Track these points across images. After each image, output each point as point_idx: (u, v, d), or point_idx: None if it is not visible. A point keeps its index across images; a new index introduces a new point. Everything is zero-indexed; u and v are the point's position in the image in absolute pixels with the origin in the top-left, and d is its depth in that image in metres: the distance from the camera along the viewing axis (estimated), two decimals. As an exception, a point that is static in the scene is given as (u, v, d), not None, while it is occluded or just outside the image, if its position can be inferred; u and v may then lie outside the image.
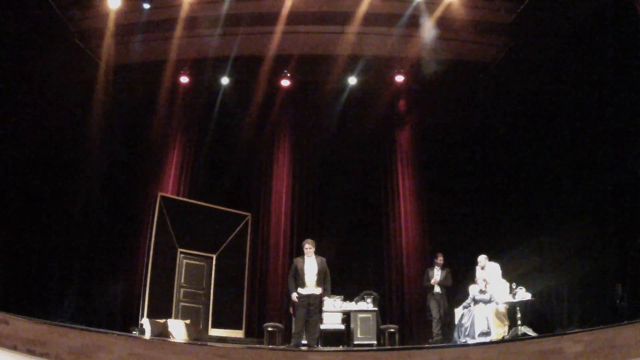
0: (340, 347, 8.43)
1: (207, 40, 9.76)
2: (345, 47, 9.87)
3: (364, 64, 10.35)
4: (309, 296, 7.08)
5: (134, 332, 8.13)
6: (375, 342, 8.64)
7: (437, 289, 8.68)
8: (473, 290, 8.10)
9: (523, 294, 7.31)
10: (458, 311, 8.18)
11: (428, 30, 9.21)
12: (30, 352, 5.29)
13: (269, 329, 8.79)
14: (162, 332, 8.06)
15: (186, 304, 9.67)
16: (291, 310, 7.70)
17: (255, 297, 10.49)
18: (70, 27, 9.02)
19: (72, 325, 6.09)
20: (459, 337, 7.73)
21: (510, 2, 8.77)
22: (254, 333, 9.95)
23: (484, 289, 7.84)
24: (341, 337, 8.86)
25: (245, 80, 10.75)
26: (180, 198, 10.42)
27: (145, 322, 8.23)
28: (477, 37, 9.58)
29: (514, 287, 7.47)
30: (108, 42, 9.37)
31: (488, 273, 8.05)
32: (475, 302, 7.83)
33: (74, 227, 9.12)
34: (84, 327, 6.01)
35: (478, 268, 8.22)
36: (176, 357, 5.51)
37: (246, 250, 10.54)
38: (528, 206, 8.96)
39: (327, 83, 10.72)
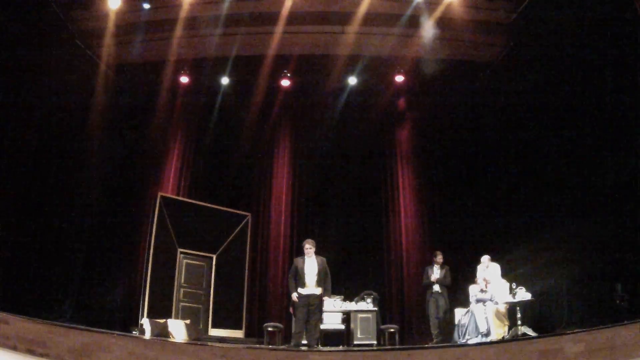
0: (340, 347, 8.42)
1: (207, 40, 9.75)
2: (345, 47, 9.86)
3: (364, 64, 10.34)
4: (309, 296, 7.08)
5: (134, 332, 8.13)
6: (375, 342, 8.65)
7: (435, 288, 8.56)
8: (473, 290, 8.10)
9: (523, 294, 7.31)
10: (458, 311, 8.18)
11: (428, 30, 9.21)
12: (30, 352, 5.29)
13: (269, 329, 8.79)
14: (162, 332, 8.06)
15: (186, 304, 9.67)
16: (291, 310, 7.70)
17: (255, 297, 10.49)
18: (70, 27, 9.01)
19: (72, 325, 6.09)
20: (459, 337, 7.73)
21: (510, 2, 8.77)
22: (254, 333, 9.95)
23: (484, 289, 7.84)
24: (341, 337, 8.86)
25: (245, 80, 10.74)
26: (180, 198, 10.42)
27: (145, 322, 8.23)
28: (477, 37, 9.57)
29: (514, 287, 7.47)
30: (108, 42, 9.37)
31: (488, 273, 8.05)
32: (476, 302, 7.83)
33: (74, 227, 9.12)
34: (84, 327, 6.00)
35: (481, 268, 8.20)
36: (176, 357, 5.51)
37: (246, 250, 10.54)
38: (528, 206, 8.96)
39: (327, 83, 10.72)
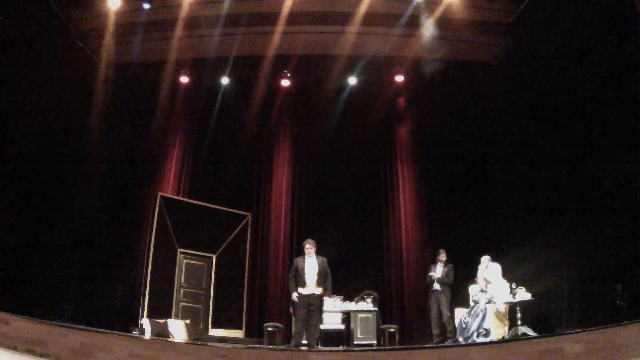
0: (340, 347, 8.42)
1: (207, 40, 9.76)
2: (345, 47, 9.87)
3: (364, 64, 10.35)
4: (309, 296, 7.08)
5: (134, 332, 8.13)
6: (375, 342, 8.64)
7: (436, 286, 8.44)
8: (473, 290, 8.09)
9: (523, 294, 7.30)
10: (459, 311, 8.18)
11: (428, 30, 9.20)
12: (30, 352, 5.29)
13: (269, 329, 8.79)
14: (162, 332, 8.06)
15: (186, 304, 9.67)
16: (291, 310, 7.70)
17: (255, 297, 10.50)
18: (70, 27, 9.02)
19: (72, 325, 6.10)
20: (459, 337, 7.73)
21: (510, 2, 8.77)
22: (254, 333, 9.95)
23: (484, 289, 7.84)
24: (341, 337, 8.87)
25: (245, 80, 10.75)
26: (180, 198, 10.42)
27: (145, 322, 8.23)
28: (477, 37, 9.58)
29: (514, 287, 7.47)
30: (108, 42, 9.37)
31: (488, 273, 8.04)
32: (476, 302, 7.82)
33: (74, 227, 9.12)
34: (84, 327, 6.00)
35: (480, 268, 8.19)
36: (176, 357, 5.52)
37: (246, 250, 10.54)
38: (528, 206, 8.96)
39: (327, 83, 10.72)
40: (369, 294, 9.27)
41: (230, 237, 10.41)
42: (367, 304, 9.04)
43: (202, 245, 10.07)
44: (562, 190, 8.20)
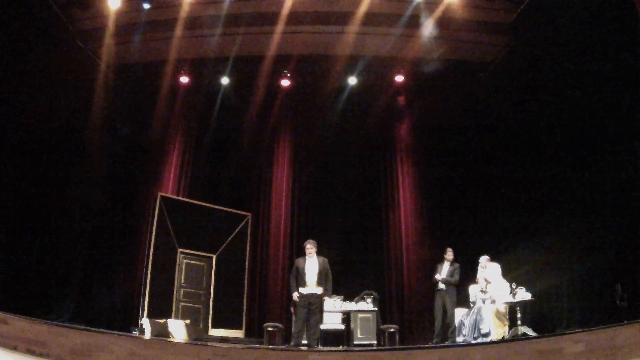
0: (340, 347, 8.42)
1: (207, 40, 9.75)
2: (345, 47, 9.87)
3: (364, 64, 10.34)
4: (309, 296, 7.10)
5: (134, 332, 8.13)
6: (375, 342, 8.64)
7: (441, 286, 8.41)
8: (473, 290, 8.09)
9: (523, 294, 7.31)
10: (459, 311, 8.17)
11: (428, 30, 9.20)
12: (30, 352, 5.29)
13: (269, 329, 8.79)
14: (162, 332, 8.06)
15: (186, 304, 9.67)
16: (292, 309, 7.71)
17: (255, 297, 10.50)
18: (70, 27, 9.01)
19: (72, 325, 6.10)
20: (459, 337, 7.73)
21: (510, 2, 8.76)
22: (254, 333, 9.95)
23: (484, 289, 7.84)
24: (341, 337, 8.86)
25: (245, 80, 10.74)
26: (180, 198, 10.42)
27: (145, 322, 8.23)
28: (477, 37, 9.57)
29: (514, 287, 7.47)
30: (108, 42, 9.36)
31: (489, 273, 8.04)
32: (475, 302, 7.82)
33: (74, 226, 9.12)
34: (84, 327, 6.00)
35: (480, 268, 8.19)
36: (176, 357, 5.52)
37: (246, 250, 10.54)
38: (528, 206, 8.96)
39: (327, 83, 10.72)
40: (369, 294, 9.27)
41: (230, 237, 10.41)
42: (367, 304, 9.04)
43: (202, 245, 10.07)
44: (562, 190, 8.21)
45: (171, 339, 7.82)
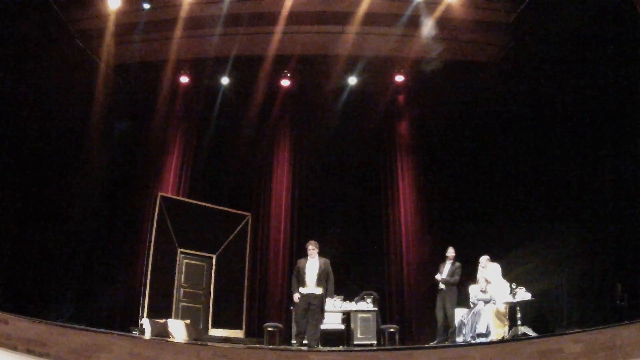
0: (340, 347, 8.42)
1: (207, 40, 9.76)
2: (345, 47, 9.86)
3: (364, 64, 10.34)
4: (308, 296, 7.12)
5: (134, 332, 8.13)
6: (375, 342, 8.64)
7: (441, 286, 8.33)
8: (473, 290, 8.08)
9: (523, 294, 7.30)
10: (459, 311, 8.17)
11: (428, 30, 9.20)
12: (30, 352, 5.30)
13: (269, 329, 8.79)
14: (162, 332, 8.05)
15: (186, 304, 9.67)
16: (292, 308, 7.73)
17: (255, 297, 10.49)
18: (70, 27, 9.01)
19: (72, 325, 6.10)
20: (459, 337, 7.72)
21: (510, 2, 8.76)
22: (254, 333, 9.95)
23: (484, 289, 7.83)
24: (341, 337, 8.86)
25: (245, 80, 10.74)
26: (180, 198, 10.42)
27: (145, 322, 8.22)
28: (477, 37, 9.57)
29: (514, 287, 7.46)
30: (108, 42, 9.37)
31: (489, 273, 8.04)
32: (475, 303, 7.82)
33: (74, 227, 9.12)
34: (84, 327, 6.01)
35: (480, 268, 8.18)
36: (176, 357, 5.52)
37: (246, 250, 10.54)
38: (528, 206, 8.95)
39: (327, 83, 10.71)
40: (369, 294, 9.27)
41: (230, 237, 10.41)
42: (367, 304, 9.04)
43: (202, 245, 10.07)
44: (562, 190, 8.20)
45: (171, 339, 7.81)
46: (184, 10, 9.04)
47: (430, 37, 9.34)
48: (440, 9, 8.92)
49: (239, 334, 9.97)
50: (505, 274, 7.96)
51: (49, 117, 8.60)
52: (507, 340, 6.73)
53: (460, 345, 6.68)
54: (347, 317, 8.94)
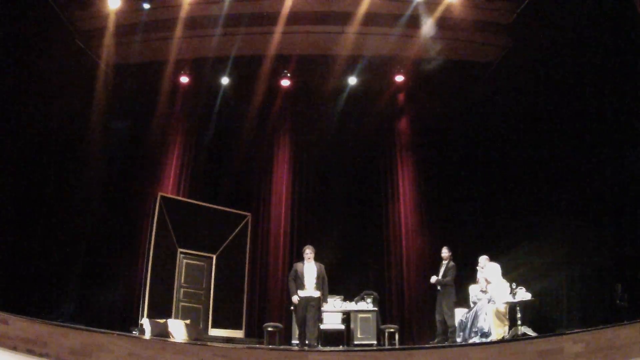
0: (340, 347, 8.42)
1: (207, 40, 9.76)
2: (345, 47, 9.87)
3: (364, 64, 10.34)
4: (308, 298, 7.26)
5: (134, 332, 8.13)
6: (375, 342, 8.65)
7: (438, 287, 8.31)
8: (473, 290, 8.08)
9: (523, 294, 7.30)
10: (459, 311, 8.17)
11: (428, 30, 9.20)
12: (30, 352, 5.29)
13: (269, 329, 8.79)
14: (162, 332, 8.06)
15: (186, 304, 9.67)
16: (293, 310, 7.76)
17: (255, 297, 10.49)
18: (70, 27, 9.01)
19: (72, 325, 6.10)
20: (459, 337, 7.72)
21: (510, 2, 8.77)
22: (254, 333, 9.95)
23: (484, 289, 7.83)
24: (341, 337, 8.87)
25: (245, 80, 10.74)
26: (180, 198, 10.41)
27: (145, 322, 8.23)
28: (477, 37, 9.58)
29: (514, 287, 7.46)
30: (108, 42, 9.37)
31: (489, 273, 8.03)
32: (475, 303, 7.82)
33: (74, 227, 9.11)
34: (84, 327, 6.00)
35: (480, 268, 8.18)
36: (176, 357, 5.52)
37: (246, 250, 10.54)
38: (528, 206, 8.95)
39: (327, 83, 10.72)
40: (369, 294, 9.27)
41: (230, 237, 10.41)
42: (367, 304, 9.04)
43: (202, 245, 10.07)
44: (562, 190, 8.20)
45: (171, 339, 7.81)
46: (184, 10, 9.05)
47: (430, 37, 9.34)
48: (440, 9, 8.94)
49: (239, 334, 9.96)
50: (505, 274, 7.96)
51: (48, 116, 8.59)
52: (507, 340, 6.73)
53: (460, 345, 6.69)
54: (347, 317, 8.95)
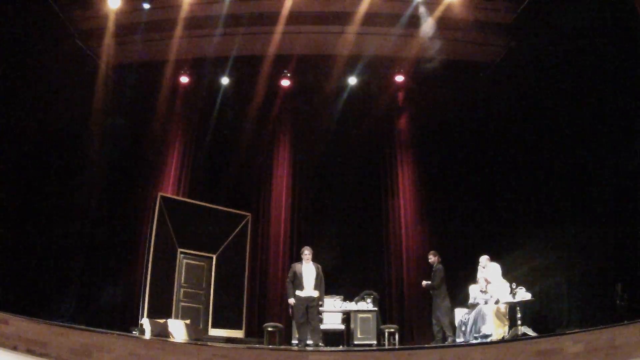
0: (340, 347, 8.43)
1: (207, 40, 9.76)
2: (345, 47, 9.87)
3: (364, 64, 10.34)
4: (307, 298, 7.32)
5: (134, 332, 8.13)
6: (375, 342, 8.65)
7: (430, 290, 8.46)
8: (474, 290, 8.08)
9: (523, 294, 7.30)
10: (459, 311, 8.17)
11: (428, 30, 9.20)
12: (30, 352, 5.30)
13: (269, 329, 8.80)
14: (162, 332, 8.06)
15: (186, 304, 9.68)
16: (291, 312, 7.78)
17: (255, 297, 10.50)
18: (70, 27, 9.01)
19: (72, 325, 6.10)
20: (459, 337, 7.72)
21: (510, 2, 8.77)
22: (254, 333, 9.95)
23: (484, 289, 7.83)
24: (341, 337, 8.87)
25: (245, 80, 10.75)
26: (180, 198, 10.42)
27: (145, 322, 8.23)
28: (477, 37, 9.58)
29: (514, 287, 7.47)
30: (108, 42, 9.37)
31: (489, 273, 8.03)
32: (474, 304, 7.82)
33: (74, 226, 9.11)
34: (84, 327, 6.01)
35: (479, 268, 8.18)
36: (176, 357, 5.52)
37: (246, 250, 10.54)
38: (528, 206, 8.95)
39: (327, 83, 10.71)
40: (369, 294, 9.28)
41: (230, 237, 10.41)
42: (367, 304, 9.04)
43: (202, 245, 10.08)
44: (562, 190, 8.20)
45: (171, 339, 7.82)
46: (184, 10, 9.05)
47: (430, 37, 9.34)
48: (440, 9, 8.94)
49: (239, 334, 9.97)
50: (505, 274, 7.96)
51: (48, 116, 8.58)
52: (507, 340, 6.73)
53: (460, 345, 6.69)
54: (347, 317, 8.95)
